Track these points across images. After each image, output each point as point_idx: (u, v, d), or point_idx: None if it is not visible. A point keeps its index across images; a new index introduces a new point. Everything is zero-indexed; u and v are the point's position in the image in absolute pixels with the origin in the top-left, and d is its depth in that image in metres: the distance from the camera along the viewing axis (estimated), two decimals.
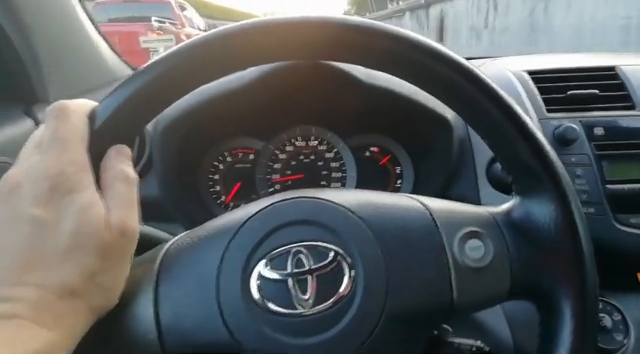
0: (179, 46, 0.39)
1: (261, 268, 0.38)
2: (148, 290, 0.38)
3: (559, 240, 0.39)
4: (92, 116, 0.38)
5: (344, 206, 0.41)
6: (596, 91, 0.69)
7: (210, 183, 0.82)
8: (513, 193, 0.44)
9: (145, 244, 0.47)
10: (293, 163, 0.83)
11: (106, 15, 7.72)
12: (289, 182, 0.83)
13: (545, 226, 0.39)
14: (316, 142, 0.84)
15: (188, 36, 7.23)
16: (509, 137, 0.40)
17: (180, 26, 7.95)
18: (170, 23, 7.50)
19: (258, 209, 0.41)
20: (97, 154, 0.37)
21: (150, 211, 0.73)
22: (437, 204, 0.43)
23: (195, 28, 8.83)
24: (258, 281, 0.37)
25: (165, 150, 0.72)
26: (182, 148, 0.74)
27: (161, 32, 6.53)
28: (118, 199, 0.36)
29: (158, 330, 0.37)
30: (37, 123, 0.72)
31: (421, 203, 0.42)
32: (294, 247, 0.38)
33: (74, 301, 0.33)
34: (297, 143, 0.84)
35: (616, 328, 0.63)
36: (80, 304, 0.34)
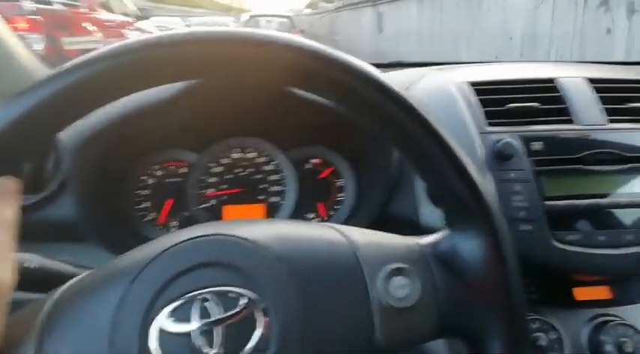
0: (97, 51, 0.34)
1: (163, 320, 0.33)
2: (28, 349, 0.33)
3: (487, 279, 0.37)
4: None
5: (257, 243, 0.37)
6: (536, 104, 0.68)
7: (138, 199, 0.77)
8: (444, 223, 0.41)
9: (52, 281, 0.42)
10: (229, 176, 0.79)
11: None
12: (225, 197, 0.78)
13: (473, 263, 0.37)
14: (254, 154, 0.79)
15: (97, 22, 5.57)
16: (436, 166, 0.37)
17: (88, 10, 5.58)
18: (65, 4, 5.11)
19: (158, 252, 0.36)
20: None
21: (67, 233, 0.68)
22: (361, 237, 0.39)
23: (116, 12, 6.38)
24: (160, 336, 0.33)
25: (83, 166, 0.66)
26: (103, 163, 0.68)
27: (38, 19, 4.15)
28: None
29: None
30: None
31: (344, 236, 0.39)
32: (201, 294, 0.34)
33: None
34: (233, 155, 0.79)
35: (551, 347, 0.62)
36: None
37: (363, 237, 0.40)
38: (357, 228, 0.41)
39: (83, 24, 5.35)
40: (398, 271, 0.37)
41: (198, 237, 0.37)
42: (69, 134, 0.66)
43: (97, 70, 0.33)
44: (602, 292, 0.68)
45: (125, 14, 6.85)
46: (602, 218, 0.63)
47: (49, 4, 4.76)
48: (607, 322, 0.64)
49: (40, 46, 4.31)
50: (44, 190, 0.67)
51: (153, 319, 0.33)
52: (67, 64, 0.33)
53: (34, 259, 0.48)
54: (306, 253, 0.37)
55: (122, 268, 0.36)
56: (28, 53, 0.86)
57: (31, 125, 0.32)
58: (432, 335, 0.38)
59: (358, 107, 0.37)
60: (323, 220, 0.80)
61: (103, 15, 5.97)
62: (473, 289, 0.38)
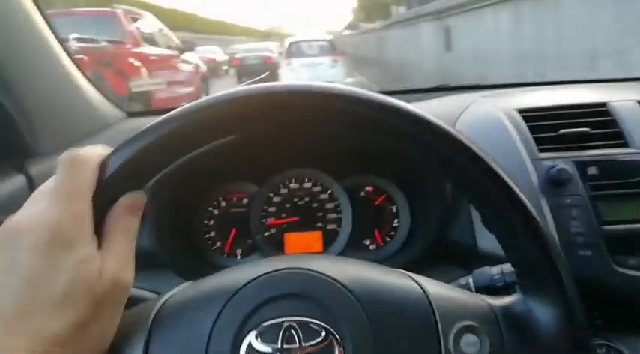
0: (196, 102, 0.39)
1: (252, 339, 0.37)
2: (138, 346, 0.38)
3: (559, 344, 0.38)
4: (103, 166, 0.38)
5: (339, 281, 0.40)
6: (588, 129, 0.68)
7: (206, 229, 0.82)
8: (517, 287, 0.43)
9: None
10: (288, 205, 0.83)
11: None
12: (285, 225, 0.83)
13: (547, 329, 0.39)
14: (310, 183, 0.84)
15: (142, 58, 5.61)
16: (516, 233, 0.39)
17: (130, 46, 5.70)
18: (108, 42, 5.28)
19: (253, 276, 0.40)
20: (104, 203, 0.37)
21: (143, 262, 0.73)
22: (436, 289, 0.41)
23: (160, 46, 6.48)
24: (248, 352, 0.37)
25: (157, 202, 0.71)
26: (175, 197, 0.74)
27: (83, 58, 4.32)
28: (114, 251, 0.37)
29: None
30: (29, 179, 0.71)
31: (419, 285, 0.41)
32: (287, 321, 0.38)
33: (64, 350, 0.34)
34: (291, 186, 0.83)
35: None
36: (69, 352, 0.34)
37: (438, 290, 0.41)
38: (429, 279, 0.43)
39: (130, 60, 5.53)
40: (469, 329, 0.39)
41: (291, 268, 0.41)
42: None
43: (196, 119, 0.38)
44: None
45: (170, 47, 6.90)
46: None
47: (96, 42, 5.01)
48: None
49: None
50: None
51: (244, 337, 0.37)
52: (193, 104, 0.39)
53: (133, 292, 0.53)
54: (383, 297, 0.40)
55: (221, 287, 0.40)
56: (97, 93, 0.94)
57: (149, 159, 0.38)
58: None
59: (435, 165, 0.40)
60: (380, 246, 0.83)
61: (147, 50, 6.08)
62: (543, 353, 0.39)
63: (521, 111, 0.73)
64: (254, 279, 0.40)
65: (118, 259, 0.37)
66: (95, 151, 0.39)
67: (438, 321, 0.39)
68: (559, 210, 0.64)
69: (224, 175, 0.82)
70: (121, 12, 5.89)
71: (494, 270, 0.54)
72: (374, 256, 0.81)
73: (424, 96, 1.00)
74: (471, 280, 0.55)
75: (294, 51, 10.81)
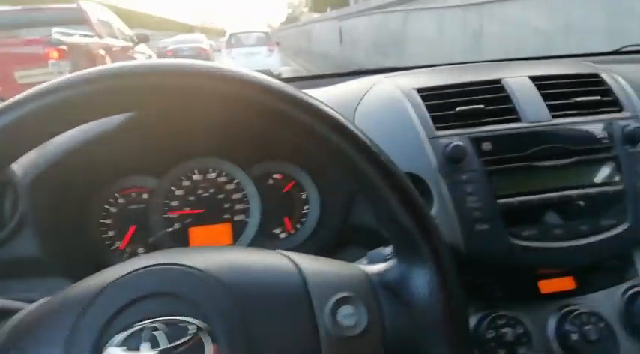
0: (48, 83, 0.34)
1: (113, 349, 0.34)
2: None
3: (433, 306, 0.38)
4: None
5: (205, 272, 0.37)
6: (482, 106, 0.69)
7: (103, 228, 0.76)
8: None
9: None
10: (191, 198, 0.79)
11: (2, 23, 5.76)
12: (190, 219, 0.79)
13: (421, 293, 0.38)
14: (214, 174, 0.80)
15: (106, 48, 6.05)
16: (382, 196, 0.38)
17: (96, 36, 6.14)
18: (81, 35, 5.71)
19: (110, 280, 0.37)
20: None
21: (31, 269, 0.67)
22: (310, 265, 0.40)
23: (118, 38, 6.89)
24: None
25: (40, 201, 0.65)
26: (60, 197, 0.68)
27: (64, 49, 4.94)
28: None
29: None
30: None
31: (294, 263, 0.40)
32: (150, 323, 0.35)
33: None
34: (194, 177, 0.79)
35: (518, 341, 0.63)
36: None
37: (313, 265, 0.40)
38: (307, 255, 0.42)
39: (99, 51, 5.85)
40: (345, 300, 0.38)
41: (147, 266, 0.38)
42: (24, 172, 0.66)
43: (43, 104, 0.33)
44: (566, 283, 0.69)
45: (125, 39, 7.19)
46: (555, 212, 0.65)
47: (70, 36, 5.41)
48: (572, 311, 0.65)
49: (67, 71, 4.70)
50: (3, 229, 0.67)
51: (103, 348, 0.34)
52: (13, 99, 0.34)
53: None
54: (254, 281, 0.38)
55: (74, 297, 0.37)
56: None
57: None
58: None
59: (301, 136, 0.38)
60: (290, 234, 0.81)
61: (110, 41, 6.44)
62: (419, 318, 0.38)
63: (419, 90, 0.73)
64: (110, 283, 0.37)
65: None
66: None
67: (312, 297, 0.37)
68: (456, 186, 0.64)
69: (120, 169, 0.76)
70: (86, 5, 6.32)
71: (388, 249, 0.54)
72: (285, 245, 0.79)
73: (340, 80, 0.98)
74: (364, 261, 0.54)
75: (233, 42, 11.29)
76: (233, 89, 0.36)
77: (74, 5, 6.38)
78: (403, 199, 0.38)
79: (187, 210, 0.78)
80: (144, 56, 7.56)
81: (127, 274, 0.38)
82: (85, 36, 5.85)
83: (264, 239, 0.79)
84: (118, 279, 0.37)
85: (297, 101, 0.37)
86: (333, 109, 0.38)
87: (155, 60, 0.37)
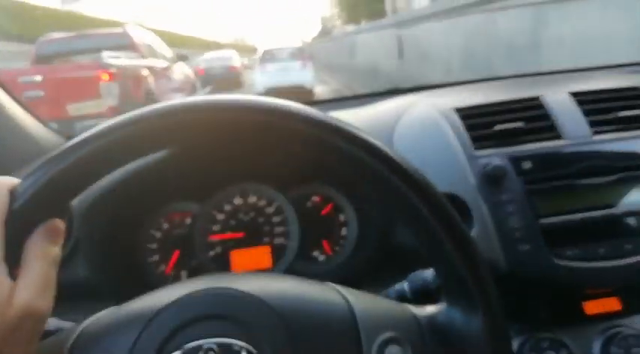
0: (109, 123, 0.37)
1: None
2: None
3: (481, 352, 0.38)
4: (14, 192, 0.36)
5: (260, 299, 0.39)
6: (522, 124, 0.69)
7: (148, 253, 0.79)
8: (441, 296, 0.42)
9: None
10: (233, 222, 0.81)
11: (51, 51, 6.43)
12: (231, 242, 0.81)
13: (469, 339, 0.38)
14: (255, 197, 0.82)
15: (151, 68, 6.50)
16: (440, 243, 0.38)
17: (141, 58, 6.68)
18: (128, 57, 6.33)
19: (170, 300, 0.39)
20: (18, 230, 0.36)
21: (83, 292, 0.70)
22: (360, 301, 0.41)
23: (159, 58, 7.38)
24: None
25: (91, 229, 0.69)
26: (110, 223, 0.72)
27: (113, 71, 5.41)
28: (29, 278, 0.36)
29: None
30: None
31: (343, 297, 0.41)
32: (206, 343, 0.37)
33: None
34: (235, 201, 0.82)
35: None
36: None
37: (362, 301, 0.41)
38: (356, 291, 0.43)
39: (142, 72, 6.37)
40: (393, 340, 0.38)
41: (211, 289, 0.40)
42: (78, 200, 0.69)
43: (109, 140, 0.36)
44: (612, 304, 0.67)
45: (165, 58, 7.68)
46: (599, 231, 0.63)
47: (119, 58, 5.96)
48: (618, 333, 0.63)
49: (117, 92, 5.46)
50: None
51: None
52: (79, 138, 0.37)
53: (52, 322, 0.50)
54: (305, 312, 0.39)
55: (137, 312, 0.39)
56: (34, 121, 0.91)
57: (63, 183, 0.36)
58: None
59: (346, 166, 0.38)
60: (329, 257, 0.82)
61: (153, 62, 6.96)
62: None
63: (457, 110, 0.73)
64: (171, 302, 0.39)
65: (31, 288, 0.35)
66: (3, 178, 0.37)
67: (361, 333, 0.38)
68: (497, 206, 0.64)
69: (164, 195, 0.79)
70: (131, 29, 6.97)
71: (428, 273, 0.54)
72: (323, 268, 0.80)
73: (375, 100, 0.99)
74: (406, 284, 0.55)
75: (267, 57, 11.46)
76: (275, 122, 0.37)
77: (121, 30, 6.96)
78: (458, 245, 0.38)
79: (229, 233, 0.81)
80: (183, 75, 8.07)
81: (185, 295, 0.40)
82: (131, 58, 6.37)
83: (303, 262, 0.80)
84: (177, 299, 0.39)
85: (337, 130, 0.37)
86: (383, 145, 0.38)
87: (197, 97, 0.39)
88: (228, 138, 0.38)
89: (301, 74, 10.74)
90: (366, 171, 0.38)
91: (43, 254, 0.37)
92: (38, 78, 5.32)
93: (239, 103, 0.37)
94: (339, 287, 0.43)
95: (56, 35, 6.70)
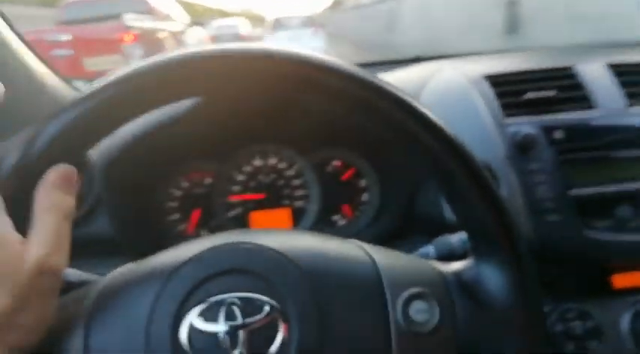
0: (120, 72, 0.36)
1: (193, 318, 0.35)
2: (78, 332, 0.36)
3: (511, 311, 0.37)
4: (23, 143, 0.35)
5: (284, 255, 0.38)
6: (554, 93, 0.67)
7: (168, 211, 0.79)
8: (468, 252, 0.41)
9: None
10: (253, 183, 0.80)
11: (75, 16, 6.69)
12: (251, 203, 0.80)
13: (498, 294, 0.37)
14: (275, 159, 0.81)
15: (169, 32, 6.80)
16: (468, 198, 0.37)
17: (159, 20, 7.00)
18: (149, 20, 6.63)
19: (193, 253, 0.38)
20: (27, 180, 0.34)
21: (103, 248, 0.71)
22: (384, 257, 0.40)
23: (178, 21, 7.71)
24: (189, 332, 0.35)
25: (114, 184, 0.68)
26: (132, 180, 0.71)
27: (136, 32, 5.75)
28: (42, 233, 0.34)
29: None
30: None
31: (368, 254, 0.40)
32: (228, 298, 0.36)
33: None
34: (255, 163, 0.81)
35: (588, 335, 0.62)
36: None
37: (387, 258, 0.40)
38: (381, 248, 0.42)
39: (159, 34, 6.69)
40: (418, 296, 0.37)
41: (231, 243, 0.39)
42: (99, 155, 0.68)
43: (122, 90, 0.35)
44: None
45: (181, 22, 8.11)
46: (632, 204, 0.62)
47: (141, 21, 6.28)
48: None
49: (140, 53, 5.70)
50: (79, 209, 0.70)
51: (184, 316, 0.35)
52: (93, 87, 0.36)
53: (75, 274, 0.50)
54: (329, 268, 0.38)
55: (159, 266, 0.38)
56: (56, 78, 0.90)
57: (73, 136, 0.35)
58: None
59: (380, 124, 0.37)
60: (349, 222, 0.81)
61: (171, 25, 7.35)
62: (495, 320, 0.38)
63: (487, 77, 0.71)
64: (194, 256, 0.38)
65: (44, 242, 0.34)
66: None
67: (386, 289, 0.37)
68: (526, 176, 0.62)
69: (185, 153, 0.78)
70: None
71: (455, 238, 0.53)
72: (343, 232, 0.79)
73: (398, 66, 0.97)
74: (431, 248, 0.54)
75: (278, 25, 11.66)
76: (322, 78, 0.36)
77: None
78: (485, 195, 0.37)
79: (248, 194, 0.80)
80: (197, 40, 8.34)
81: (209, 248, 0.39)
82: (151, 21, 6.65)
83: (322, 226, 0.80)
84: (200, 253, 0.38)
85: (375, 88, 0.36)
86: (411, 97, 0.37)
87: (222, 44, 0.37)
88: (259, 90, 0.37)
89: (313, 41, 10.75)
90: (409, 134, 0.37)
91: (54, 206, 0.35)
92: (65, 37, 5.48)
93: (281, 54, 0.36)
94: (363, 244, 0.42)
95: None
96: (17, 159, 0.34)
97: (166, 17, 7.29)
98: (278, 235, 0.41)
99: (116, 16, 6.10)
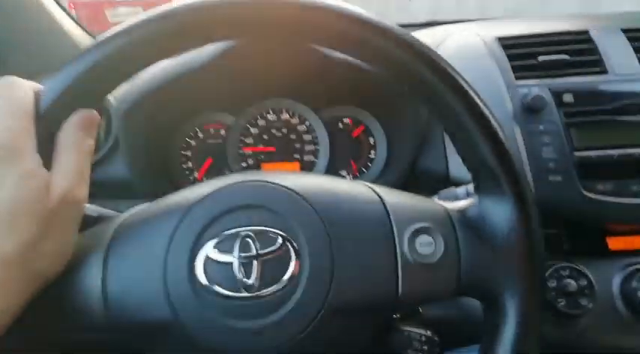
0: (138, 18, 0.36)
1: (209, 250, 0.38)
2: (97, 262, 0.38)
3: (512, 244, 0.39)
4: (48, 86, 0.36)
5: (297, 192, 0.40)
6: (566, 56, 0.67)
7: (183, 159, 0.82)
8: (472, 190, 0.43)
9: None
10: (265, 136, 0.82)
11: None
12: (262, 156, 0.82)
13: (500, 229, 0.39)
14: (287, 114, 0.83)
15: None
16: (471, 135, 0.38)
17: None
18: None
19: (210, 190, 0.41)
20: (52, 121, 0.36)
21: (119, 191, 0.74)
22: (392, 196, 0.42)
23: None
24: (205, 263, 0.37)
25: (131, 130, 0.71)
26: (149, 127, 0.73)
27: None
28: (64, 167, 0.36)
29: (104, 303, 0.37)
30: None
31: (376, 193, 0.42)
32: (243, 231, 0.38)
33: (13, 268, 0.33)
34: (268, 117, 0.83)
35: (581, 293, 0.64)
36: (20, 271, 0.34)
37: (394, 196, 0.42)
38: (388, 188, 0.44)
39: None
40: (424, 230, 0.39)
41: (246, 181, 0.41)
42: (118, 100, 0.71)
43: (139, 36, 0.36)
44: (636, 242, 0.68)
45: None
46: (634, 168, 0.63)
47: None
48: (639, 270, 0.65)
49: None
50: (97, 153, 0.73)
51: (200, 248, 0.38)
52: (108, 33, 0.36)
53: (95, 209, 0.53)
54: (339, 205, 0.40)
55: (177, 203, 0.41)
56: (76, 28, 0.91)
57: (92, 81, 0.36)
58: (451, 293, 0.40)
59: (386, 67, 0.38)
60: (355, 177, 0.83)
61: None
62: (496, 253, 0.39)
63: (500, 39, 0.71)
64: (211, 192, 0.40)
65: (67, 175, 0.36)
66: (29, 82, 0.37)
67: (393, 224, 0.39)
68: (532, 136, 0.63)
69: (201, 105, 0.80)
70: None
71: (460, 189, 0.55)
72: None
73: (411, 30, 0.97)
74: (436, 199, 0.56)
75: None
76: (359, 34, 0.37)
77: None
78: (488, 133, 0.38)
79: (260, 147, 0.82)
80: None
81: (222, 186, 0.41)
82: None
83: None
84: (214, 191, 0.40)
85: (398, 39, 0.37)
86: (426, 44, 0.38)
87: None
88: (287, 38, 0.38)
89: None
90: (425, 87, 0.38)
91: (76, 145, 0.37)
92: None
93: (317, 4, 0.36)
94: (371, 184, 0.44)
95: None
96: (46, 102, 0.36)
97: None
98: (291, 175, 0.43)
99: None
